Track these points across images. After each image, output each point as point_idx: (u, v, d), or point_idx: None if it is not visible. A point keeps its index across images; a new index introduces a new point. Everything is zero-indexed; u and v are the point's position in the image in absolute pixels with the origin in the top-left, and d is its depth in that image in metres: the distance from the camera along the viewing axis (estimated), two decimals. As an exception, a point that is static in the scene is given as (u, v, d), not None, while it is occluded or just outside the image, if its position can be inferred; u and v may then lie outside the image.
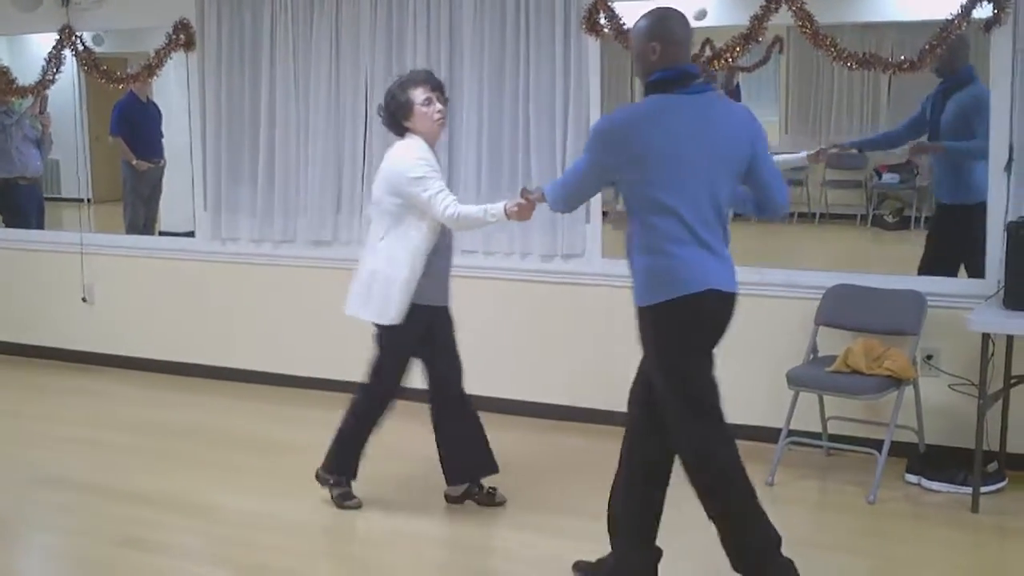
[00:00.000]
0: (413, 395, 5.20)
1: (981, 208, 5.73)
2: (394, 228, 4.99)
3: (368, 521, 5.12)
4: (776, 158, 4.95)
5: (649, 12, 4.12)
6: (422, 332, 5.08)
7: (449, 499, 5.29)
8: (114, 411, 7.09)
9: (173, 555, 4.92)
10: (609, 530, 4.42)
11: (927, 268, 6.29)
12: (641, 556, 4.39)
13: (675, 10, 4.14)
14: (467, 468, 5.27)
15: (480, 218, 4.88)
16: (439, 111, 5.02)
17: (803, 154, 6.82)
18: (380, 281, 4.98)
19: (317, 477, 5.29)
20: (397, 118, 5.02)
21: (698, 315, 4.18)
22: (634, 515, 4.39)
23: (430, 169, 4.91)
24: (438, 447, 5.20)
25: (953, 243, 6.31)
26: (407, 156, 4.95)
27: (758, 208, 4.39)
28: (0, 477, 5.88)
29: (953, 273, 6.09)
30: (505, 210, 4.79)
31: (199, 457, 6.15)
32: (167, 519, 5.26)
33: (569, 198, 4.37)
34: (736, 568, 4.25)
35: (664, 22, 4.07)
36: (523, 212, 4.80)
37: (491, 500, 5.28)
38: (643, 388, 4.35)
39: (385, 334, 5.06)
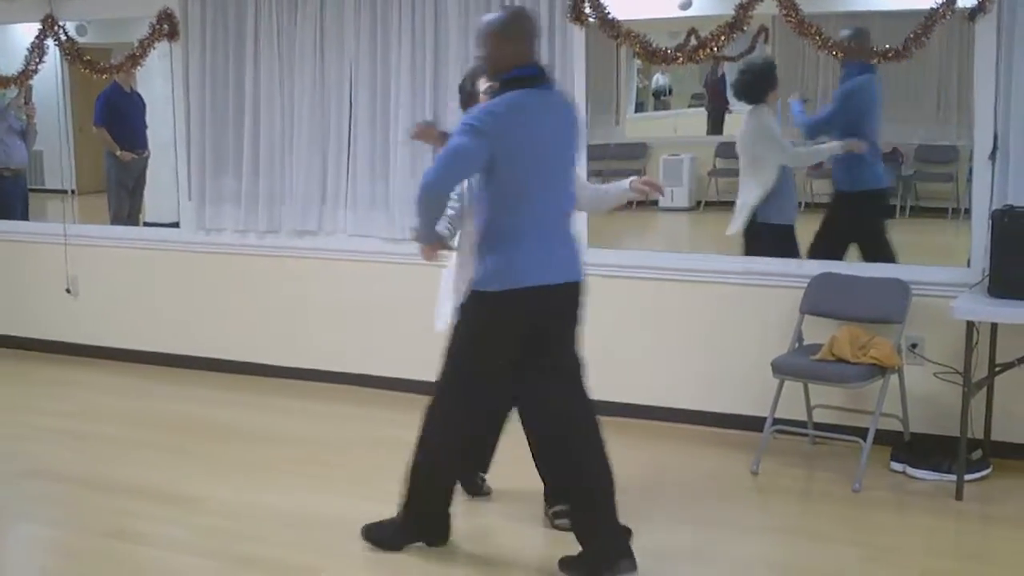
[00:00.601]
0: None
1: (874, 195, 6.42)
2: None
3: (357, 511, 5.10)
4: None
5: (501, 11, 4.41)
6: None
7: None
8: (99, 402, 7.08)
9: (159, 546, 4.91)
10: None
11: (816, 251, 6.49)
12: (615, 539, 4.45)
13: (525, 9, 4.39)
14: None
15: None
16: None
17: None
18: None
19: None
20: (468, 107, 4.92)
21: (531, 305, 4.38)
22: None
23: None
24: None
25: (845, 228, 6.56)
26: None
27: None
28: (-15, 469, 5.87)
29: (840, 257, 6.28)
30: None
31: (185, 448, 6.14)
32: (153, 510, 5.24)
33: (450, 181, 4.42)
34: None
35: (519, 20, 4.37)
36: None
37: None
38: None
39: None
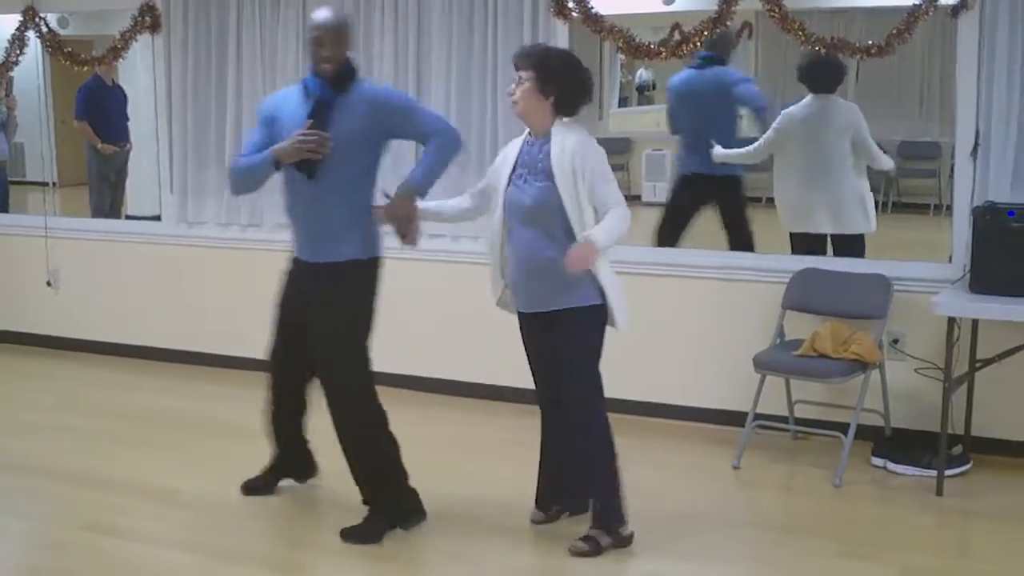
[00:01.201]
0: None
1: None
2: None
3: (340, 506, 5.09)
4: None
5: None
6: None
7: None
8: (80, 396, 7.05)
9: (139, 540, 4.89)
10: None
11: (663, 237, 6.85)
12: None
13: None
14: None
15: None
16: (508, 91, 4.67)
17: None
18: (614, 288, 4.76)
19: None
20: None
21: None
22: None
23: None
24: None
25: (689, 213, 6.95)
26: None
27: None
28: (-37, 462, 5.85)
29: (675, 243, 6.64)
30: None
31: (165, 442, 6.12)
32: (133, 504, 5.24)
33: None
34: None
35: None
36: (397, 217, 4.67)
37: None
38: None
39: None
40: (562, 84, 4.48)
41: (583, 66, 4.58)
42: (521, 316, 4.69)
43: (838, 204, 6.48)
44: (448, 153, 4.70)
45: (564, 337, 4.56)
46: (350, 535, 4.72)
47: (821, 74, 6.48)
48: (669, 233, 6.97)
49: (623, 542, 4.62)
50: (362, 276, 4.70)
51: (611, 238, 4.41)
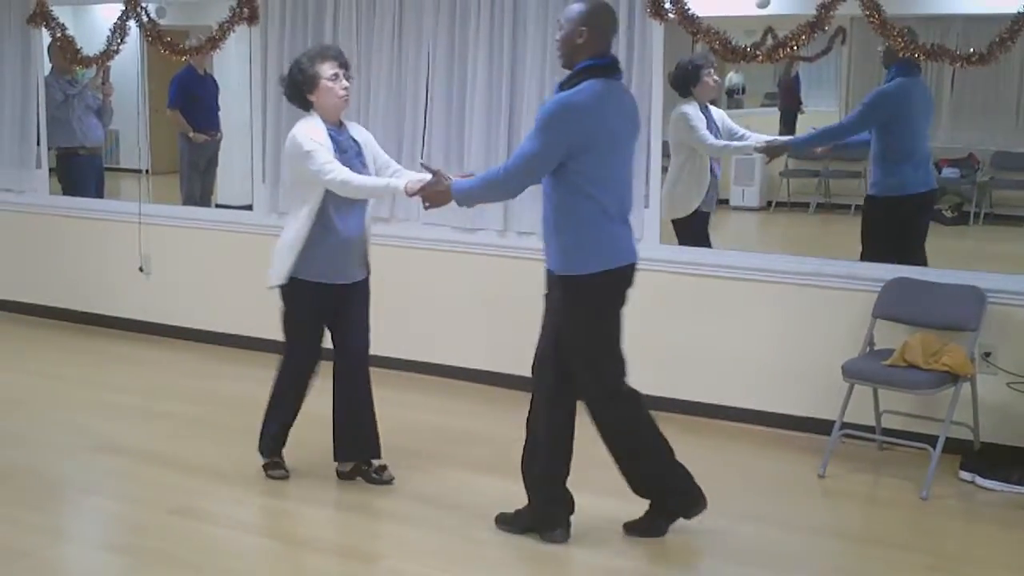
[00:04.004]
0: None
1: (907, 200, 6.35)
2: (292, 202, 5.22)
3: (421, 500, 5.12)
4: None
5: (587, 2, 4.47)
6: (314, 306, 5.24)
7: (340, 475, 5.36)
8: (169, 381, 7.16)
9: (223, 525, 4.97)
10: (525, 483, 4.72)
11: (864, 255, 6.45)
12: (558, 508, 4.72)
13: (609, 4, 4.60)
14: (355, 447, 5.36)
15: (374, 187, 4.99)
16: (344, 88, 5.09)
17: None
18: (277, 248, 5.19)
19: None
20: (302, 90, 5.10)
21: (620, 284, 4.60)
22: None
23: (317, 144, 4.97)
24: (334, 418, 5.35)
25: (883, 235, 6.48)
26: (298, 134, 5.04)
27: None
28: (58, 441, 5.96)
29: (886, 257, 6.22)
30: (405, 188, 4.84)
31: (252, 429, 6.17)
32: (218, 489, 5.31)
33: (524, 182, 4.54)
34: (638, 492, 4.76)
35: (605, 12, 4.50)
36: (430, 194, 4.76)
37: (380, 478, 5.30)
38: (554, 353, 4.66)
39: (280, 298, 5.28)
40: None
41: None
42: (339, 287, 5.23)
43: None
44: (494, 189, 4.72)
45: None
46: (502, 521, 4.80)
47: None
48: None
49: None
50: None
51: None
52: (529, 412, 4.73)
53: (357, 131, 5.29)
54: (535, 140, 4.39)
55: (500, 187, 4.61)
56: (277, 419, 5.42)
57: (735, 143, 6.95)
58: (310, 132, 5.02)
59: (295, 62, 5.19)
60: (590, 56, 4.43)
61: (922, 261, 6.16)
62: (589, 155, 4.37)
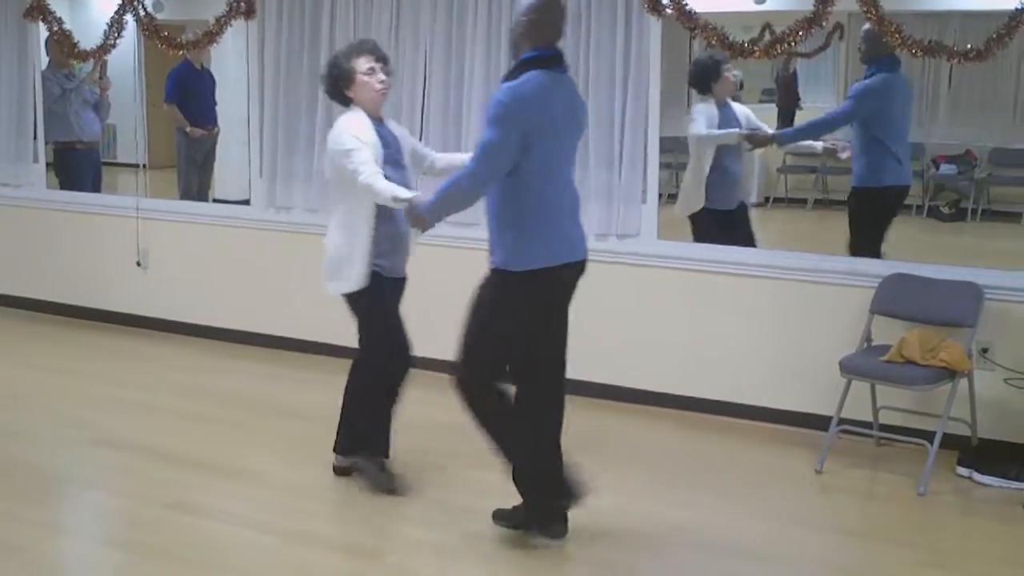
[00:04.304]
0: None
1: (885, 192, 6.54)
2: (341, 196, 5.06)
3: (420, 494, 5.12)
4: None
5: None
6: (392, 300, 5.18)
7: (337, 470, 5.34)
8: (167, 375, 7.16)
9: (221, 519, 4.96)
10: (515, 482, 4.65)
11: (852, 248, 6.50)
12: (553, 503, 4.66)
13: None
14: (361, 442, 5.29)
15: (384, 192, 4.77)
16: (381, 81, 5.05)
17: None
18: (338, 246, 5.07)
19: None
20: (339, 86, 5.06)
21: (564, 281, 4.53)
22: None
23: (360, 143, 4.91)
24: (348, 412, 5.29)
25: (870, 225, 6.58)
26: (342, 129, 4.97)
27: None
28: (54, 435, 5.96)
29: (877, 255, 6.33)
30: (412, 201, 4.67)
31: (249, 424, 6.20)
32: (215, 484, 5.32)
33: (489, 174, 4.41)
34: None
35: (551, 4, 4.44)
36: (413, 222, 4.72)
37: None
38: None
39: (356, 300, 5.12)
40: None
41: None
42: (389, 280, 5.15)
43: None
44: (459, 191, 4.58)
45: None
46: (499, 517, 4.77)
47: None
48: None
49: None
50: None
51: None
52: None
53: (393, 125, 5.26)
54: (491, 130, 4.34)
55: (466, 186, 4.47)
56: (366, 419, 5.28)
57: (717, 131, 6.83)
58: (354, 128, 4.96)
59: (332, 58, 5.15)
60: (533, 47, 4.41)
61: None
62: (535, 147, 4.33)
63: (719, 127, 6.79)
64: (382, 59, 5.07)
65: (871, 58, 6.49)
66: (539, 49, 4.41)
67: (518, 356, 4.56)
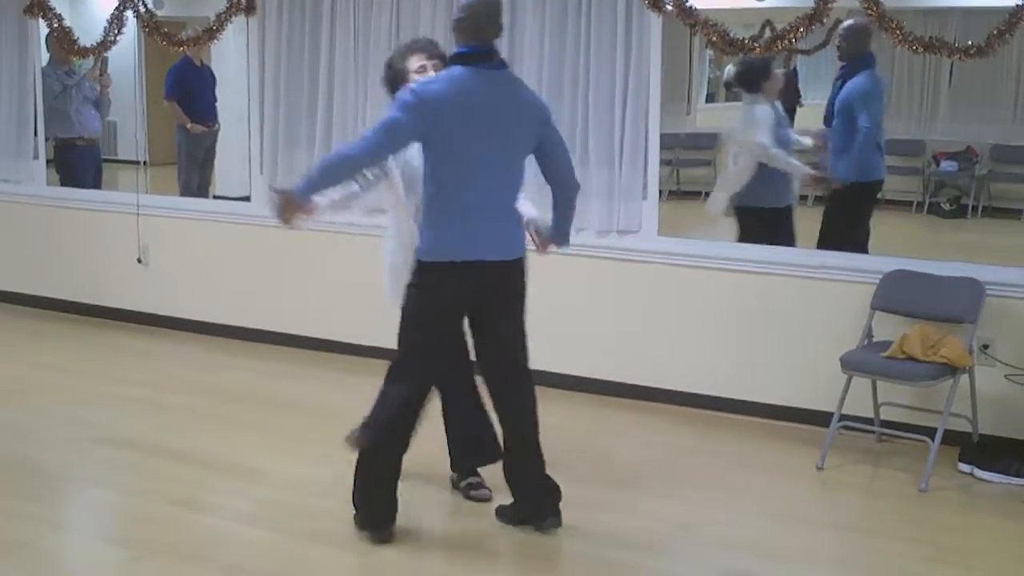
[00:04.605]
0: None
1: (870, 186, 6.67)
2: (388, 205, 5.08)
3: (418, 492, 5.13)
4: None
5: None
6: None
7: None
8: (169, 372, 7.16)
9: (224, 517, 4.96)
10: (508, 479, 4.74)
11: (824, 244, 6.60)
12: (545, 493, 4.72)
13: None
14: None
15: None
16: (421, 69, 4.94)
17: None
18: (389, 260, 5.05)
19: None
20: (395, 86, 4.98)
21: (460, 279, 4.46)
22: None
23: None
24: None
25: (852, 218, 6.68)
26: None
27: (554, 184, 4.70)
28: (57, 433, 5.96)
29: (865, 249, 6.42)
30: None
31: (252, 421, 6.20)
32: (219, 481, 5.32)
33: (372, 150, 4.45)
34: None
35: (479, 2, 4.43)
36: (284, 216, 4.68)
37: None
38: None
39: None
40: None
41: None
42: None
43: None
44: (340, 159, 4.65)
45: None
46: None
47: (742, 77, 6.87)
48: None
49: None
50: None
51: None
52: None
53: None
54: (396, 111, 4.39)
55: (350, 153, 4.51)
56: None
57: (784, 156, 6.75)
58: None
59: (388, 59, 5.09)
60: (463, 44, 4.43)
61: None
62: (442, 145, 4.36)
63: (775, 128, 6.78)
64: (434, 55, 4.90)
65: (853, 55, 6.58)
66: (468, 46, 4.41)
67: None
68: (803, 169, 6.84)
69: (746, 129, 6.84)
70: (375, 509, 4.66)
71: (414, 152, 4.59)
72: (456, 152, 4.38)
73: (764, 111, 6.73)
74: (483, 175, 4.42)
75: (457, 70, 4.40)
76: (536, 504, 4.71)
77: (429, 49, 4.94)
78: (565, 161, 4.68)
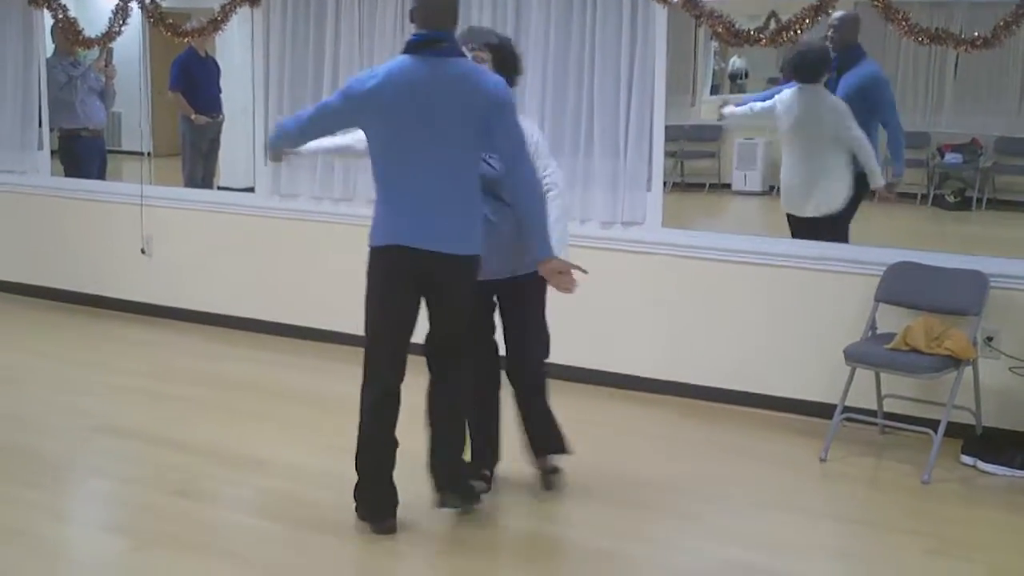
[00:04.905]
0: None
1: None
2: None
3: (422, 481, 5.12)
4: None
5: None
6: None
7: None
8: (171, 362, 7.16)
9: (225, 506, 4.98)
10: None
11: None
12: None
13: None
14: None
15: None
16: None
17: None
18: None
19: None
20: None
21: (393, 264, 4.48)
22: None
23: None
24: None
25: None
26: None
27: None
28: (59, 423, 5.96)
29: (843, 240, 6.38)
30: None
31: (254, 411, 6.20)
32: (221, 471, 5.32)
33: (313, 125, 4.62)
34: None
35: None
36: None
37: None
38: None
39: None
40: (509, 70, 4.76)
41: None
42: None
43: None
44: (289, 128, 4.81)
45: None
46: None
47: (806, 64, 6.54)
48: None
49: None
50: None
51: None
52: None
53: None
54: (335, 94, 4.58)
55: (292, 124, 4.69)
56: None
57: (873, 162, 6.53)
58: None
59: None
60: (415, 31, 4.42)
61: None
62: (377, 133, 4.41)
63: None
64: (479, 45, 4.77)
65: (846, 45, 6.52)
66: (416, 33, 4.40)
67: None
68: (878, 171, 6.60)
69: (824, 120, 6.56)
70: (373, 501, 4.65)
71: None
72: (392, 140, 4.39)
73: (840, 101, 6.57)
74: (419, 164, 4.37)
75: (400, 59, 4.39)
76: (445, 481, 4.72)
77: (476, 39, 4.81)
78: (511, 157, 4.44)
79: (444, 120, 4.35)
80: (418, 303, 4.55)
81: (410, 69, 4.34)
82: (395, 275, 4.47)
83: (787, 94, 6.60)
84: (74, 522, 4.99)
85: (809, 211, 6.49)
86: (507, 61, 4.79)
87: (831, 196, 6.46)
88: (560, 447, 5.06)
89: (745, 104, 7.11)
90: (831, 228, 6.37)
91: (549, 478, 5.08)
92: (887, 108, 6.59)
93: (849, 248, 6.06)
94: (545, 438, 5.05)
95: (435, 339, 4.63)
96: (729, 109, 7.04)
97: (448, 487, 4.70)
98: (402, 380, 4.55)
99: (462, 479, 4.76)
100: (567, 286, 4.53)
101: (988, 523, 4.90)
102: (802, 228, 6.47)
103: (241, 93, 8.01)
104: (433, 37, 4.36)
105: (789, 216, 6.59)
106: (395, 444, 4.61)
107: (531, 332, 4.95)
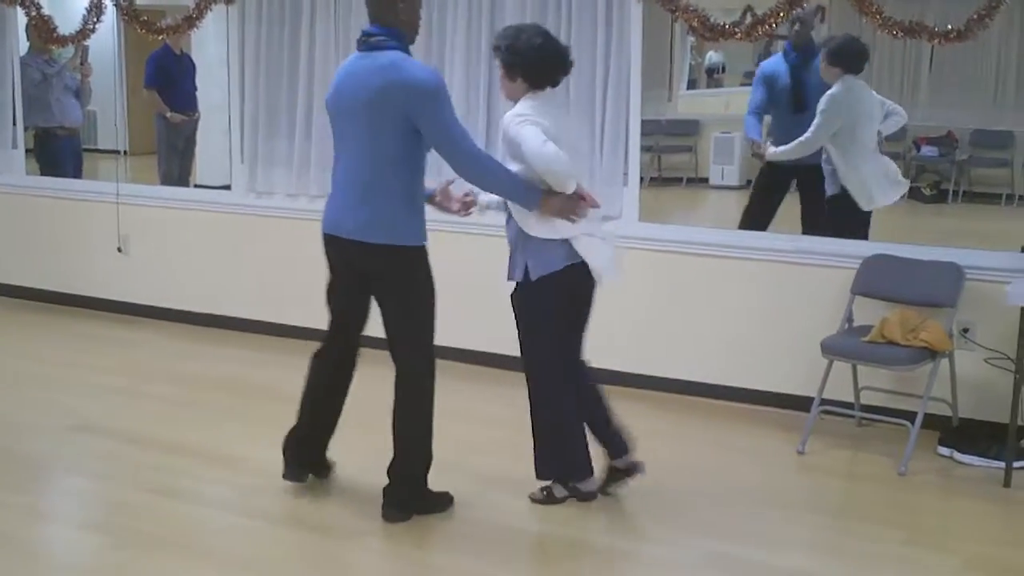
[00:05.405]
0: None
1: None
2: None
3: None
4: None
5: None
6: None
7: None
8: (148, 361, 7.14)
9: (204, 504, 4.97)
10: None
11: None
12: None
13: None
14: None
15: None
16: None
17: None
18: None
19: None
20: None
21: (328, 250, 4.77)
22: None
23: None
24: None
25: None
26: None
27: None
28: (36, 422, 5.94)
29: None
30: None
31: (231, 409, 6.19)
32: (198, 468, 5.30)
33: None
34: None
35: None
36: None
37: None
38: None
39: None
40: (526, 64, 4.57)
41: (551, 40, 4.67)
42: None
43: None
44: None
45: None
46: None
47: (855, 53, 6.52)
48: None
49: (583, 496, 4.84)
50: None
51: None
52: None
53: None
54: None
55: None
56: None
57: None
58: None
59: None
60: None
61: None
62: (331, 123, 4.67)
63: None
64: (494, 47, 4.73)
65: (807, 43, 6.69)
66: (361, 31, 4.58)
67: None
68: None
69: (871, 114, 6.54)
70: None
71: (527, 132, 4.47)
72: (333, 134, 4.65)
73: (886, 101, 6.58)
74: (343, 153, 4.60)
75: (352, 56, 4.61)
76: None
77: (495, 41, 4.75)
78: (439, 145, 4.46)
79: (360, 111, 4.46)
80: (358, 291, 4.79)
81: (347, 65, 4.62)
82: (330, 262, 4.81)
83: (835, 95, 6.42)
84: (51, 521, 4.98)
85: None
86: (517, 61, 4.61)
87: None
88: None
89: (756, 127, 7.06)
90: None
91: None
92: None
93: (826, 241, 6.08)
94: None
95: (388, 338, 4.74)
96: (771, 151, 6.81)
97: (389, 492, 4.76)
98: (331, 355, 5.05)
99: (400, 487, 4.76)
100: (573, 211, 4.53)
101: (964, 514, 4.93)
102: None
103: (217, 90, 7.99)
104: (367, 31, 4.54)
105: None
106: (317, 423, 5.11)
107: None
